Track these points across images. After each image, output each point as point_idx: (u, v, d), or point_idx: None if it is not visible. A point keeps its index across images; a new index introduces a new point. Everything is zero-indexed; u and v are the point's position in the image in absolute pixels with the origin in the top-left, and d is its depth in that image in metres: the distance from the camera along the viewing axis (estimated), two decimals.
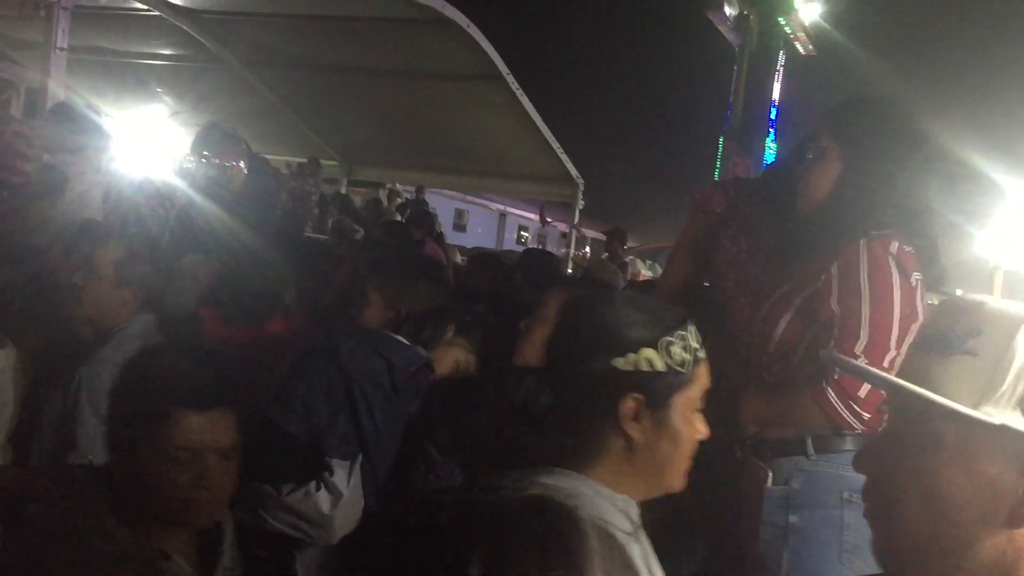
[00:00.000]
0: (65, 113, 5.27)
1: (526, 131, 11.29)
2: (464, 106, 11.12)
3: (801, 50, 30.21)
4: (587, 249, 17.51)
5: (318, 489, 2.47)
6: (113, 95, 11.55)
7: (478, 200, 24.71)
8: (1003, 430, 0.98)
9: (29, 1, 5.70)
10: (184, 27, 9.92)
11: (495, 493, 1.20)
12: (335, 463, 2.51)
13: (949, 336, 1.05)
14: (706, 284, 3.08)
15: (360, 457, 2.56)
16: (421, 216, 9.65)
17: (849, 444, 2.25)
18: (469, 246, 14.75)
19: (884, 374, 1.13)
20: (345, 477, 2.50)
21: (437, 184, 14.98)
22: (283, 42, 10.40)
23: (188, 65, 11.30)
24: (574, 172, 12.25)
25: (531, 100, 10.80)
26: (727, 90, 27.12)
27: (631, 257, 11.87)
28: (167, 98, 11.90)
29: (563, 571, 0.96)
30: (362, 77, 11.01)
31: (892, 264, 2.23)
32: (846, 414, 2.19)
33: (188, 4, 9.27)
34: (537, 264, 4.85)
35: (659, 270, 16.87)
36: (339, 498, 2.45)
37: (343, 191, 13.31)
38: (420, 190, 13.82)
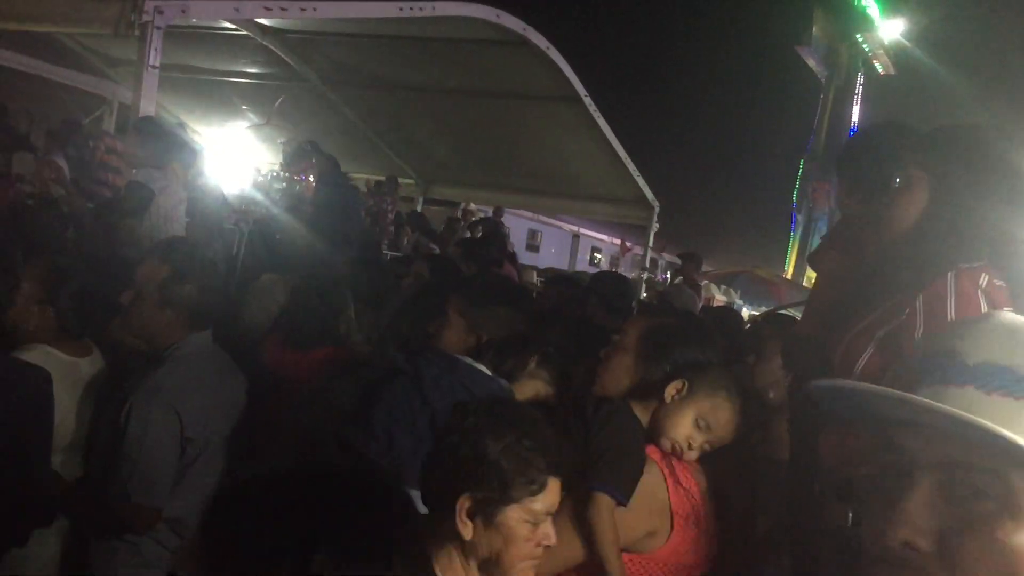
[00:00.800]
0: (151, 128, 5.39)
1: (602, 153, 11.27)
2: (541, 127, 11.17)
3: (880, 70, 29.67)
4: (667, 274, 17.38)
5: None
6: (201, 112, 11.90)
7: (551, 221, 24.72)
8: None
9: (124, 20, 5.88)
10: (269, 46, 10.15)
11: None
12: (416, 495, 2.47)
13: (1010, 370, 0.93)
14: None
15: None
16: (495, 236, 9.67)
17: None
18: (542, 266, 14.75)
19: (937, 405, 0.93)
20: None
21: (512, 204, 15.04)
22: (364, 62, 10.58)
23: (272, 83, 11.56)
24: (650, 195, 12.18)
25: (609, 123, 10.78)
26: (809, 116, 26.84)
27: (706, 282, 11.71)
28: (251, 115, 12.20)
29: None
30: (441, 97, 11.13)
31: (982, 299, 2.14)
32: None
33: (274, 24, 9.49)
34: (610, 287, 4.77)
35: (733, 295, 16.64)
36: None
37: (419, 209, 13.44)
38: (498, 211, 13.87)
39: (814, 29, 27.34)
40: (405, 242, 10.45)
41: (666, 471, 2.29)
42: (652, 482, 2.26)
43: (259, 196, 9.04)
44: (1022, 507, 0.88)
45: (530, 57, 9.50)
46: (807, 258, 2.89)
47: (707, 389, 2.33)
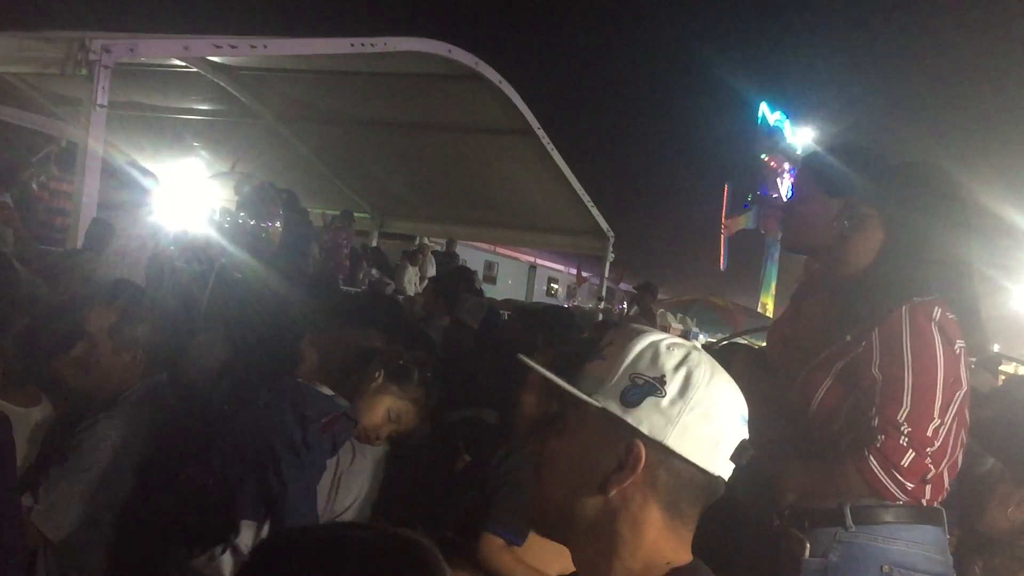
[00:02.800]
0: (107, 169, 5.34)
1: (557, 184, 11.36)
2: (495, 160, 11.23)
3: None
4: (624, 304, 17.48)
5: (223, 552, 2.34)
6: (151, 149, 11.79)
7: (508, 252, 24.79)
8: (603, 413, 1.24)
9: (72, 59, 5.81)
10: (220, 83, 10.11)
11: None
12: (244, 524, 2.38)
13: (600, 346, 1.32)
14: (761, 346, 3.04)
15: (269, 518, 2.43)
16: (463, 272, 9.68)
17: (890, 516, 2.17)
18: (499, 298, 14.76)
19: (529, 362, 1.35)
20: (251, 539, 2.36)
21: (468, 236, 15.07)
22: (317, 97, 10.57)
23: (224, 120, 11.50)
24: (604, 225, 12.28)
25: (562, 155, 10.88)
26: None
27: (662, 311, 11.82)
28: (203, 152, 12.11)
29: None
30: (395, 131, 11.15)
31: (935, 331, 2.18)
32: (888, 483, 2.12)
33: (224, 61, 9.46)
34: (554, 320, 4.74)
35: (689, 323, 16.75)
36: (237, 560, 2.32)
37: (374, 243, 13.40)
38: (451, 243, 13.89)
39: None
40: (361, 277, 10.39)
41: None
42: None
43: (216, 235, 8.96)
44: (566, 422, 1.32)
45: (483, 91, 9.56)
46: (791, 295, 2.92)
47: None
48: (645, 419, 1.23)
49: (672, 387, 1.24)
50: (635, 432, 1.23)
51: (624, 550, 1.24)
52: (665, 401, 1.23)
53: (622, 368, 1.26)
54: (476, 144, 11.09)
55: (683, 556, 1.25)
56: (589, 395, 1.26)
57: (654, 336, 1.30)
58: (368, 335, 2.88)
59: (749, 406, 1.34)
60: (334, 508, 2.74)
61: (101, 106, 5.86)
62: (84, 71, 5.79)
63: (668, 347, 1.28)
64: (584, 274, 17.50)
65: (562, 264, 24.51)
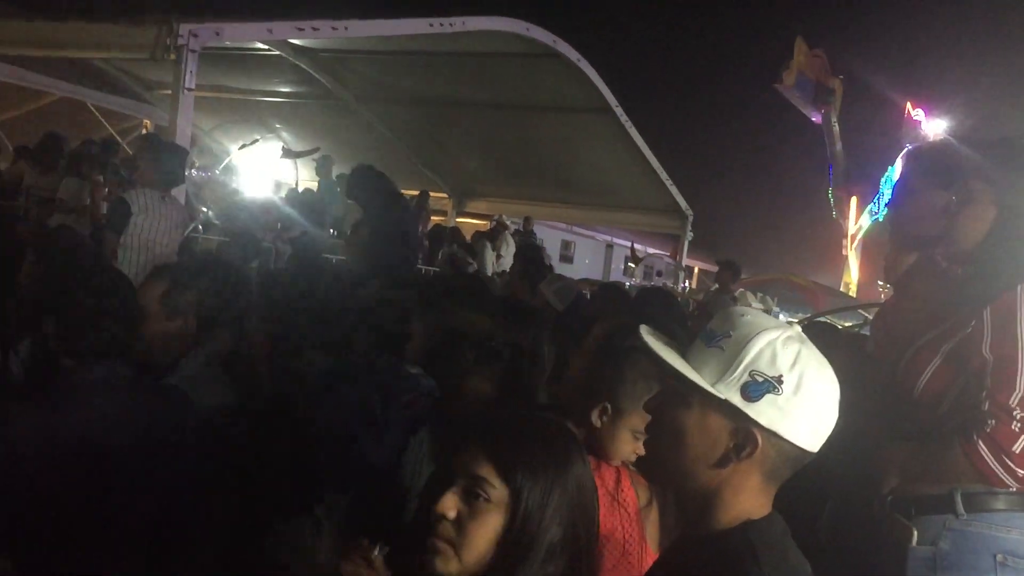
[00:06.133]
0: (152, 149, 5.42)
1: (634, 163, 11.26)
2: (572, 138, 11.18)
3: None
4: (686, 282, 17.26)
5: (307, 522, 2.40)
6: (236, 131, 12.06)
7: (585, 231, 24.68)
8: (725, 403, 1.40)
9: (160, 44, 5.97)
10: (302, 65, 10.27)
11: None
12: (327, 496, 2.45)
13: (715, 333, 1.46)
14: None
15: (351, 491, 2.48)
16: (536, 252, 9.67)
17: (1003, 503, 2.10)
18: (577, 277, 14.73)
19: (656, 348, 1.49)
20: (334, 510, 2.42)
21: (544, 216, 15.05)
22: (396, 78, 10.66)
23: (305, 102, 11.68)
24: (683, 204, 12.14)
25: (641, 132, 10.77)
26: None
27: (741, 290, 11.64)
28: (285, 133, 12.34)
29: None
30: (472, 111, 11.18)
31: None
32: (999, 470, 2.04)
33: (306, 44, 9.60)
34: (657, 306, 4.65)
35: (770, 303, 16.47)
36: (321, 530, 2.39)
37: (452, 223, 13.49)
38: (527, 222, 13.89)
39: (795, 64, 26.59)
40: (440, 256, 10.46)
41: (599, 485, 2.22)
42: None
43: (296, 215, 9.15)
44: (690, 401, 1.47)
45: (561, 69, 9.52)
46: (893, 279, 2.82)
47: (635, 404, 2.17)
48: (763, 413, 1.40)
49: (788, 386, 1.41)
50: (754, 423, 1.41)
51: (722, 509, 1.45)
52: (782, 399, 1.40)
53: (743, 365, 1.42)
54: (553, 123, 11.06)
55: (764, 510, 1.46)
56: (712, 385, 1.43)
57: (770, 333, 1.44)
58: (470, 316, 2.87)
59: (851, 390, 1.47)
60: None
61: (189, 89, 6.01)
62: (172, 55, 5.93)
63: (783, 344, 1.43)
64: (639, 249, 17.25)
65: (641, 243, 24.34)
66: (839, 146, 28.41)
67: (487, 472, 1.58)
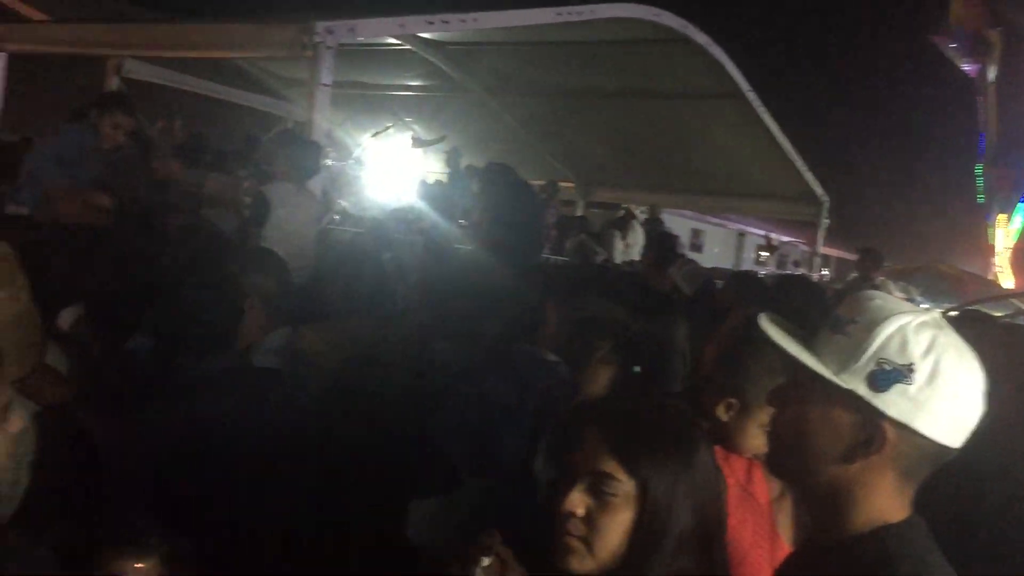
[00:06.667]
0: (285, 143, 5.58)
1: (766, 148, 10.97)
2: (702, 125, 10.99)
3: None
4: (825, 271, 16.70)
5: (441, 506, 2.43)
6: (369, 125, 12.36)
7: (715, 220, 24.22)
8: (850, 394, 1.30)
9: (298, 42, 6.16)
10: (431, 59, 10.43)
11: None
12: (464, 481, 2.47)
13: (840, 319, 1.36)
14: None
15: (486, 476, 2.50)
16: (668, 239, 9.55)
17: None
18: (706, 267, 14.47)
19: (775, 336, 1.39)
20: (471, 495, 2.44)
21: (673, 204, 14.85)
22: (524, 68, 10.70)
23: (434, 95, 11.87)
24: (819, 190, 11.75)
25: (773, 116, 10.48)
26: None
27: (882, 279, 11.18)
28: (415, 127, 12.57)
29: None
30: (600, 100, 11.12)
31: None
32: None
33: (436, 37, 9.75)
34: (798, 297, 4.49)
35: (913, 292, 15.76)
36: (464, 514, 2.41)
37: (580, 213, 13.47)
38: (655, 211, 13.73)
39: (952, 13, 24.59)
40: (568, 246, 10.46)
41: (728, 476, 2.15)
42: None
43: (427, 206, 9.30)
44: (811, 391, 1.38)
45: (690, 54, 9.36)
46: None
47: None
48: (893, 404, 1.29)
49: (920, 375, 1.29)
50: (882, 415, 1.30)
51: (853, 511, 1.34)
52: (913, 388, 1.28)
53: (869, 352, 1.31)
54: (682, 109, 10.89)
55: (901, 513, 1.34)
56: (836, 375, 1.32)
57: (902, 318, 1.33)
58: (606, 305, 2.85)
59: (1010, 382, 1.36)
60: None
61: (324, 85, 6.19)
62: (309, 52, 6.11)
63: (916, 330, 1.31)
64: (773, 238, 16.78)
65: (774, 232, 23.67)
66: (993, 113, 26.61)
67: (612, 467, 1.55)
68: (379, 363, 3.48)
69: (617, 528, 1.54)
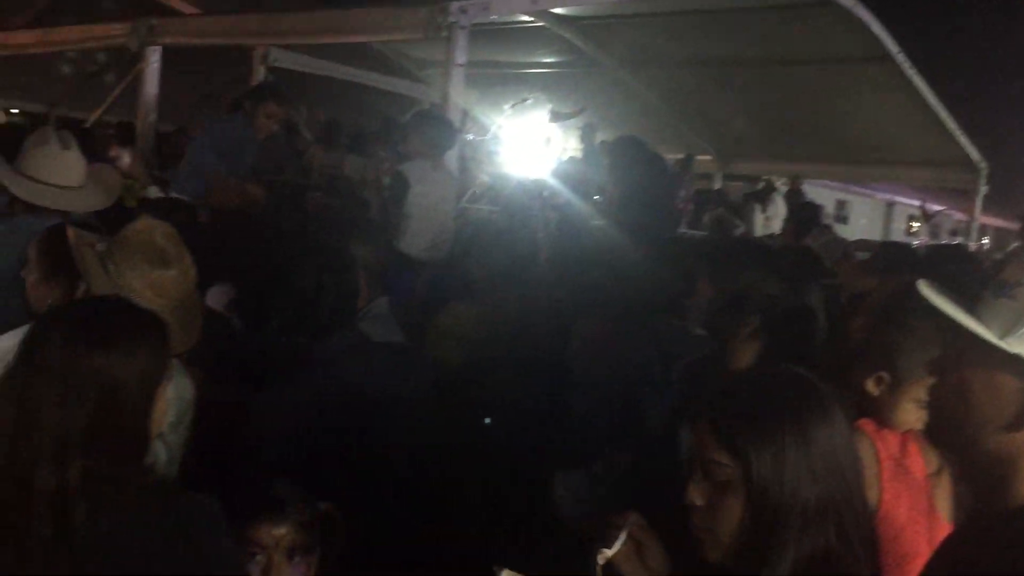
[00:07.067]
0: (420, 121, 5.68)
1: (918, 113, 10.43)
2: (846, 91, 10.53)
3: None
4: (985, 240, 15.80)
5: (582, 479, 2.41)
6: (503, 104, 12.43)
7: (861, 190, 23.27)
8: (1015, 359, 1.26)
9: (433, 23, 6.23)
10: (565, 35, 10.38)
11: None
12: (606, 454, 2.46)
13: (1006, 283, 1.32)
14: None
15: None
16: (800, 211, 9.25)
17: None
18: (852, 239, 13.93)
19: (936, 301, 1.35)
20: (612, 467, 2.41)
21: (816, 174, 14.33)
22: (660, 41, 10.52)
23: (568, 71, 11.82)
24: (975, 155, 11.11)
25: (925, 78, 9.95)
26: None
27: None
28: (550, 105, 12.56)
29: None
30: (739, 69, 10.83)
31: None
32: None
33: (569, 12, 9.69)
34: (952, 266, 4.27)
35: None
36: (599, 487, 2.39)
37: (718, 186, 13.18)
38: (797, 182, 13.31)
39: None
40: (705, 220, 10.26)
41: (881, 450, 2.03)
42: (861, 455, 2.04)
43: (561, 183, 9.30)
44: (974, 356, 1.33)
45: (833, 18, 8.96)
46: None
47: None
48: None
49: None
50: None
51: (1019, 481, 1.31)
52: None
53: None
54: (825, 76, 10.47)
55: None
56: (1001, 339, 1.30)
57: None
58: (759, 277, 2.75)
59: None
60: None
61: (459, 65, 6.24)
62: (444, 33, 6.18)
63: None
64: (927, 208, 15.93)
65: (927, 200, 22.62)
66: None
67: (715, 452, 1.50)
68: (522, 339, 3.52)
69: (732, 514, 1.49)
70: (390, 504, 2.25)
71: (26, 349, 1.60)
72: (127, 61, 9.30)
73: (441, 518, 2.39)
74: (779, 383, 1.59)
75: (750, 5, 8.91)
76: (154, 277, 2.35)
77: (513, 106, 11.48)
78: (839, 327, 2.53)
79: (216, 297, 3.39)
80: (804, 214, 5.64)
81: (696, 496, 1.51)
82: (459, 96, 6.36)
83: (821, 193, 20.26)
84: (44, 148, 3.36)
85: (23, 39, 10.43)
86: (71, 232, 2.42)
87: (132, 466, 1.63)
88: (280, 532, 1.89)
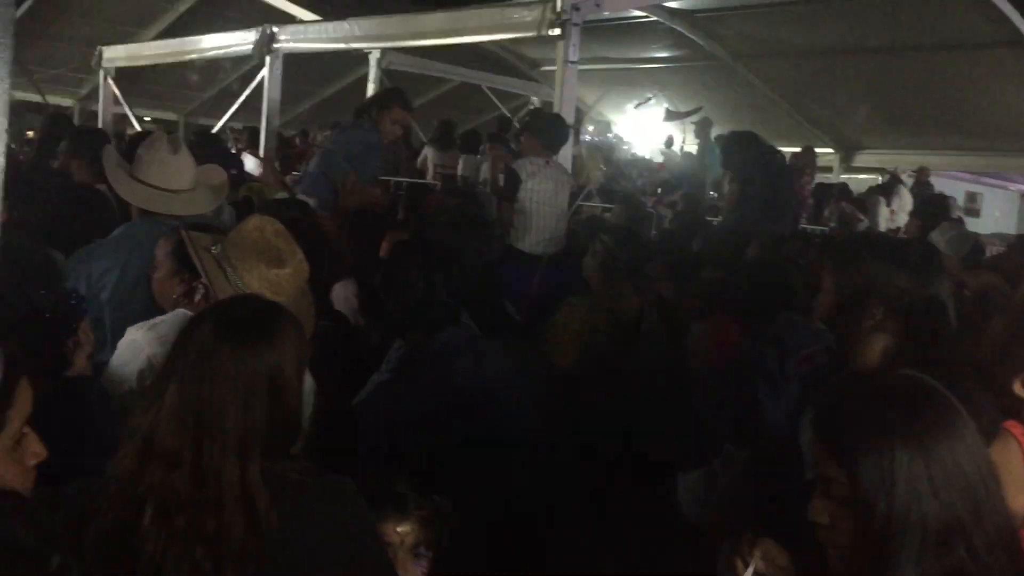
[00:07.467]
0: (536, 117, 5.70)
1: None
2: (977, 78, 10.05)
3: None
4: None
5: (701, 476, 2.37)
6: (616, 100, 12.36)
7: (994, 181, 22.16)
8: None
9: (545, 21, 6.23)
10: (677, 28, 10.23)
11: None
12: (725, 449, 2.41)
13: None
14: None
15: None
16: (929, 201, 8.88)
17: None
18: (985, 233, 13.29)
19: None
20: (730, 463, 2.35)
21: (944, 166, 13.72)
22: (775, 31, 10.26)
23: (679, 65, 11.65)
24: None
25: None
26: None
27: None
28: (662, 98, 12.42)
29: None
30: (860, 57, 10.46)
31: None
32: None
33: (681, 6, 9.55)
34: None
35: None
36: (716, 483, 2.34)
37: (839, 179, 12.78)
38: (923, 173, 12.79)
39: None
40: (827, 214, 9.96)
41: None
42: (1008, 458, 1.93)
43: (676, 178, 9.20)
44: None
45: (964, 2, 8.58)
46: None
47: None
48: None
49: None
50: None
51: None
52: None
53: None
54: (953, 63, 10.00)
55: None
56: None
57: None
58: (886, 271, 2.65)
59: None
60: None
61: (571, 62, 6.23)
62: (557, 31, 6.17)
63: None
64: None
65: None
66: None
67: (830, 467, 1.41)
68: (638, 336, 3.49)
69: (849, 530, 1.40)
70: (505, 500, 2.27)
71: (194, 356, 1.66)
72: (251, 68, 9.65)
73: (555, 516, 2.39)
74: (895, 390, 1.49)
75: None
76: (271, 276, 2.43)
77: (637, 106, 11.41)
78: (974, 325, 2.42)
79: (339, 294, 3.48)
80: (932, 207, 5.39)
81: (819, 513, 1.44)
82: (572, 94, 6.35)
83: (950, 185, 19.41)
84: (155, 153, 3.48)
85: (153, 50, 10.95)
86: (186, 237, 2.52)
87: (294, 454, 1.72)
88: (405, 529, 1.92)
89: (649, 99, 11.42)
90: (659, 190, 9.61)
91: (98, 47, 10.82)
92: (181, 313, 2.46)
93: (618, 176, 9.93)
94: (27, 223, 3.51)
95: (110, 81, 10.76)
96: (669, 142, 12.31)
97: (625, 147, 11.74)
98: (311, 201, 4.96)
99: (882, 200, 10.84)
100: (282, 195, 5.20)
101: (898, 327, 2.30)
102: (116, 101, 10.81)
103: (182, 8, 12.04)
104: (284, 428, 1.68)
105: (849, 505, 1.38)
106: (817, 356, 2.47)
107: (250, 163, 6.72)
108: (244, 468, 1.59)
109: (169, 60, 10.98)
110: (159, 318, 2.52)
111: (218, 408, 1.60)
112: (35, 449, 1.48)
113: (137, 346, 2.41)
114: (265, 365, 1.66)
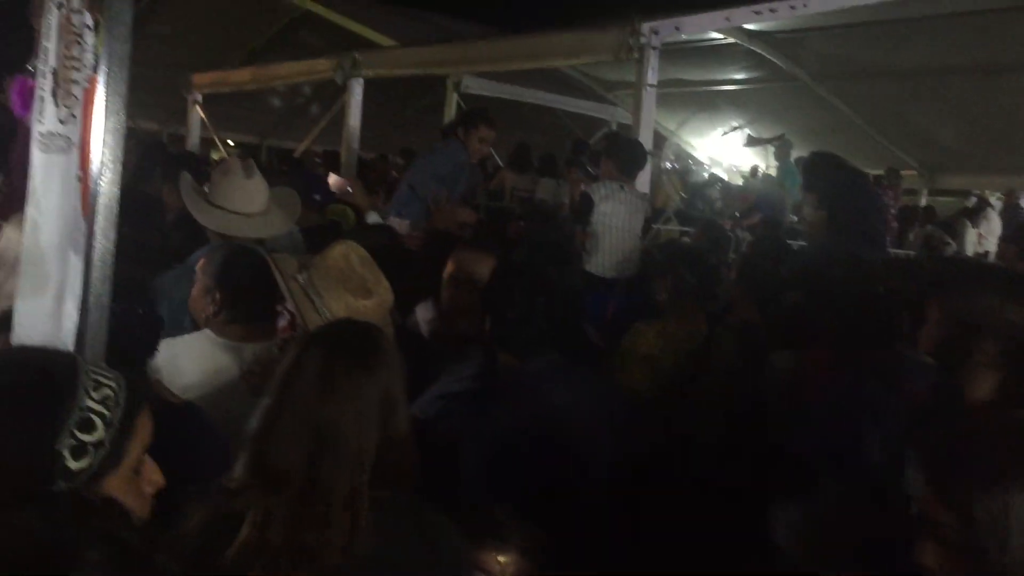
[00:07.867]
0: (613, 141, 5.70)
1: None
2: None
3: None
4: None
5: (795, 509, 2.31)
6: (694, 123, 12.26)
7: None
8: None
9: (624, 45, 6.24)
10: (756, 50, 10.11)
11: None
12: (823, 484, 2.34)
13: None
14: None
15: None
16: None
17: None
18: None
19: None
20: (829, 498, 2.29)
21: None
22: (856, 51, 10.08)
23: (758, 87, 11.51)
24: None
25: None
26: None
27: None
28: (742, 122, 12.29)
29: None
30: (946, 78, 10.20)
31: None
32: None
33: (760, 27, 9.44)
34: None
35: None
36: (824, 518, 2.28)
37: (923, 202, 12.47)
38: (1011, 195, 12.37)
39: None
40: (911, 237, 9.72)
41: None
42: None
43: (755, 202, 9.07)
44: None
45: None
46: None
47: None
48: None
49: None
50: None
51: None
52: None
53: None
54: None
55: None
56: None
57: None
58: (999, 304, 2.56)
59: None
60: None
61: (651, 86, 6.21)
62: (636, 54, 6.17)
63: None
64: None
65: None
66: None
67: (939, 510, 1.36)
68: (708, 362, 3.43)
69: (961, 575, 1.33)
70: (596, 531, 2.25)
71: (312, 377, 1.70)
72: (331, 93, 9.84)
73: (644, 548, 2.36)
74: (1008, 431, 1.44)
75: (955, 11, 8.39)
76: (357, 306, 2.47)
77: (724, 134, 11.33)
78: None
79: (423, 313, 3.50)
80: None
81: (926, 557, 1.39)
82: (650, 117, 6.33)
83: None
84: (230, 178, 3.55)
85: (239, 77, 11.27)
86: (273, 265, 2.56)
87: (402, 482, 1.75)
88: (506, 560, 1.92)
89: (735, 128, 11.33)
90: (737, 214, 9.49)
91: (188, 73, 11.18)
92: (204, 334, 2.53)
93: (696, 199, 9.84)
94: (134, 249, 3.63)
95: (198, 107, 11.10)
96: (753, 172, 12.17)
97: (705, 171, 11.64)
98: (404, 222, 5.04)
99: (968, 224, 10.53)
100: (374, 215, 5.27)
101: (1010, 364, 2.21)
102: (203, 125, 11.14)
103: (267, 35, 12.37)
104: (394, 451, 1.71)
105: (959, 550, 1.33)
106: (925, 393, 2.40)
107: (336, 183, 6.84)
108: (355, 487, 1.62)
109: (254, 86, 11.27)
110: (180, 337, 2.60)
111: (337, 427, 1.64)
112: (153, 478, 1.52)
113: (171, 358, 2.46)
114: (378, 386, 1.70)
